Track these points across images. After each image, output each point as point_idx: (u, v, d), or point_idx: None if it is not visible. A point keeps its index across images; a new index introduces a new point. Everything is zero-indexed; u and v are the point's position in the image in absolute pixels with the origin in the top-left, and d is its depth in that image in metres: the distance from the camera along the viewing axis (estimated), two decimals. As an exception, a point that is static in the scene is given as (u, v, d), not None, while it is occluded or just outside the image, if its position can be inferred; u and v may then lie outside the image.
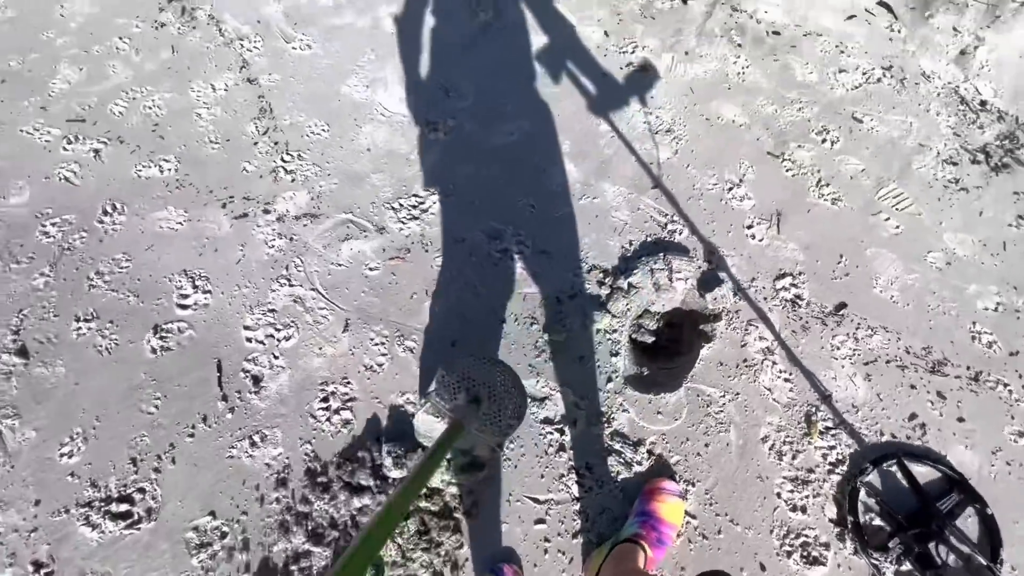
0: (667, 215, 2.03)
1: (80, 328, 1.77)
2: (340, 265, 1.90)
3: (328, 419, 1.63)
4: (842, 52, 2.52)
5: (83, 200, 2.03)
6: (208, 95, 2.32)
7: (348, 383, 1.69)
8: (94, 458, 1.58)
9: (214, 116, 2.26)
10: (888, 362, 1.75)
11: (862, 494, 1.52)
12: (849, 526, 1.47)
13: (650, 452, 1.59)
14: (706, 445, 1.61)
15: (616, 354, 1.75)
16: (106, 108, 2.27)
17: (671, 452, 1.60)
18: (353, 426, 1.63)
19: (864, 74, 2.45)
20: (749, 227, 2.01)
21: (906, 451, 1.58)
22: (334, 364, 1.72)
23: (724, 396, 1.68)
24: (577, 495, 1.53)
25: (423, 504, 1.49)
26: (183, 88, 2.33)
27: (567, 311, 1.82)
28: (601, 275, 1.89)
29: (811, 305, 1.85)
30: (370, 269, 1.89)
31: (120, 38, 2.50)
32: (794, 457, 1.59)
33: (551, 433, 1.61)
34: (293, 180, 2.08)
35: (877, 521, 1.49)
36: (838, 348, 1.77)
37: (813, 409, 1.67)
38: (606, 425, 1.63)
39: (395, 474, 1.51)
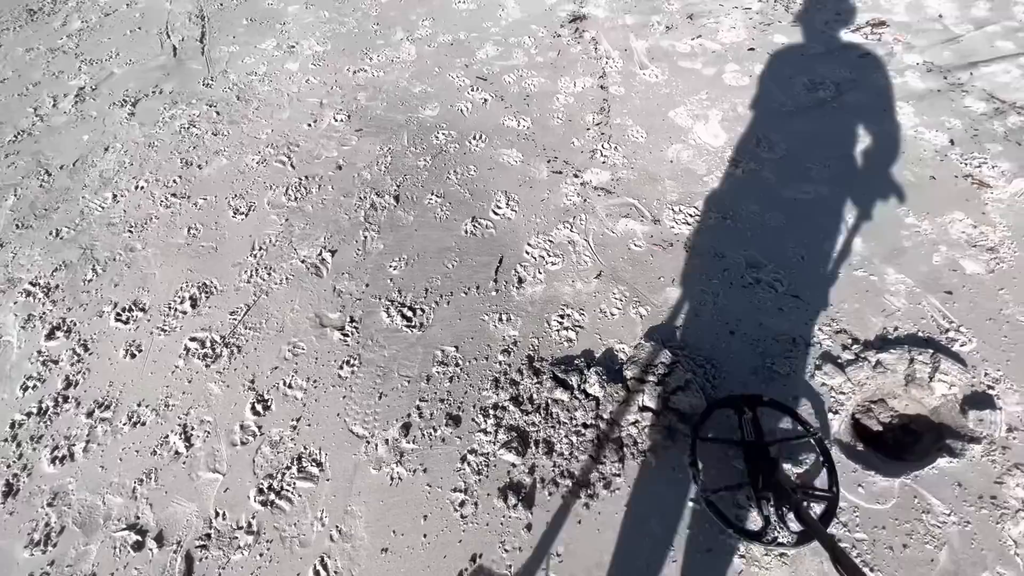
0: (953, 324, 1.87)
1: (431, 200, 2.52)
2: (613, 233, 2.28)
3: (557, 331, 2.00)
4: None
5: (465, 125, 2.87)
6: (569, 88, 3.01)
7: (583, 314, 2.03)
8: (406, 276, 2.24)
9: (567, 103, 2.93)
10: None
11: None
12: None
13: (828, 511, 1.52)
14: (904, 546, 1.46)
15: (835, 413, 1.71)
16: (501, 77, 3.15)
17: (858, 527, 1.50)
18: (574, 344, 1.96)
19: None
20: (1061, 377, 1.72)
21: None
22: (578, 297, 2.09)
23: (950, 516, 1.50)
24: (739, 503, 1.56)
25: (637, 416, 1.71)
26: (555, 79, 3.08)
27: (799, 354, 1.85)
28: (849, 340, 1.86)
29: (1120, 493, 1.50)
30: (635, 245, 2.23)
31: (528, 37, 3.43)
32: (1019, 624, 1.33)
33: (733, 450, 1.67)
34: (604, 162, 2.57)
35: None
36: None
37: (1072, 595, 1.36)
38: (795, 464, 1.61)
39: (594, 390, 1.77)
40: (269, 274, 2.32)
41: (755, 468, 1.52)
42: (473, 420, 1.81)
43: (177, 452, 1.84)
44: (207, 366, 2.05)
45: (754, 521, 1.52)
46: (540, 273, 2.18)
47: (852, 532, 1.50)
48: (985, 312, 1.90)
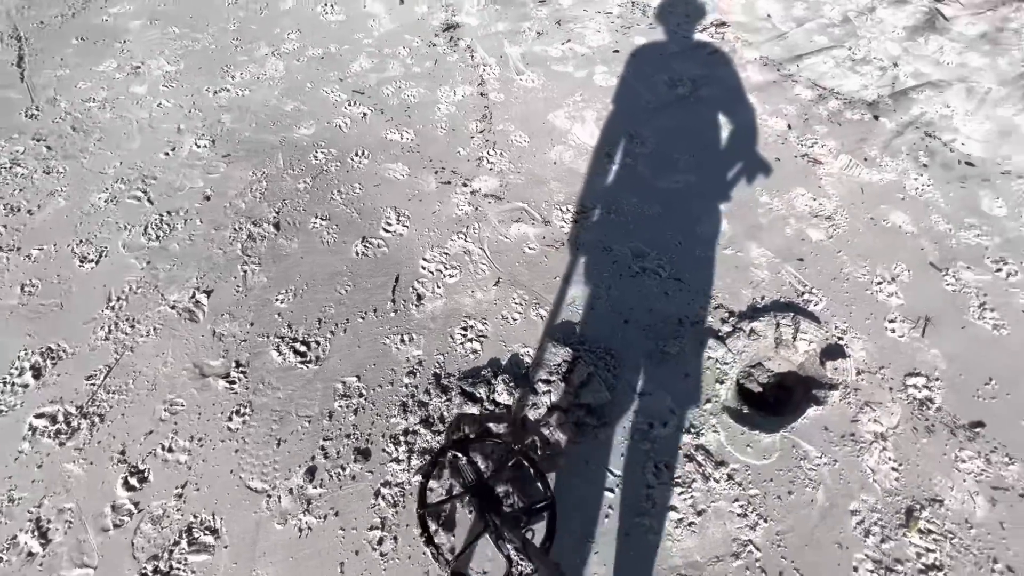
0: (806, 286, 2.13)
1: (316, 223, 2.38)
2: (507, 238, 2.31)
3: (462, 344, 1.97)
4: (1043, 198, 2.44)
5: (345, 143, 2.75)
6: (449, 97, 3.00)
7: (485, 323, 2.03)
8: (296, 309, 2.09)
9: (449, 112, 2.91)
10: (1023, 496, 1.62)
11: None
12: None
13: (730, 476, 1.66)
14: (789, 492, 1.63)
15: (721, 382, 1.86)
16: (380, 89, 3.06)
17: (751, 484, 1.64)
18: (479, 356, 1.95)
19: (1065, 224, 2.34)
20: (891, 321, 2.02)
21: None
22: (479, 306, 2.08)
23: (821, 457, 1.69)
24: (649, 483, 1.65)
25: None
26: (434, 88, 3.05)
27: (685, 333, 1.99)
28: (726, 314, 2.04)
29: (942, 411, 1.79)
30: (529, 248, 2.27)
31: (403, 47, 3.36)
32: (883, 541, 1.54)
33: (642, 424, 1.76)
34: (491, 169, 2.59)
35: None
36: (963, 461, 1.68)
37: (917, 506, 1.60)
38: (694, 437, 1.73)
39: (503, 399, 1.77)
40: (132, 327, 2.05)
41: (485, 511, 1.42)
42: (384, 450, 1.73)
43: (31, 553, 1.56)
44: (61, 444, 1.76)
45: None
46: (439, 287, 2.15)
47: (747, 489, 1.64)
48: (829, 273, 2.18)
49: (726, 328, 2.00)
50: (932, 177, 2.53)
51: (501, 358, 1.94)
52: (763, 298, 2.09)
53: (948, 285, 2.13)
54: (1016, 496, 1.62)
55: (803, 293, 2.11)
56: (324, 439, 1.76)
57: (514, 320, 2.04)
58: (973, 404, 1.81)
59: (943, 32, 3.39)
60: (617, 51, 3.29)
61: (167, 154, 2.71)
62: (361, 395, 1.86)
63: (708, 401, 1.81)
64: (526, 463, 1.59)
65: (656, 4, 3.65)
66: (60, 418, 1.81)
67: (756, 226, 2.34)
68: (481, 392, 1.79)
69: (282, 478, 1.68)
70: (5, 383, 1.90)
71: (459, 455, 1.59)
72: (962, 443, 1.72)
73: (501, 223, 2.37)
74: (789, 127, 2.79)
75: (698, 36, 3.38)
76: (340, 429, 1.78)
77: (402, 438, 1.74)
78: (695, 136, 2.74)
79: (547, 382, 1.79)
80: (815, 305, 2.07)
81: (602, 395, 1.77)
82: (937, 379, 1.87)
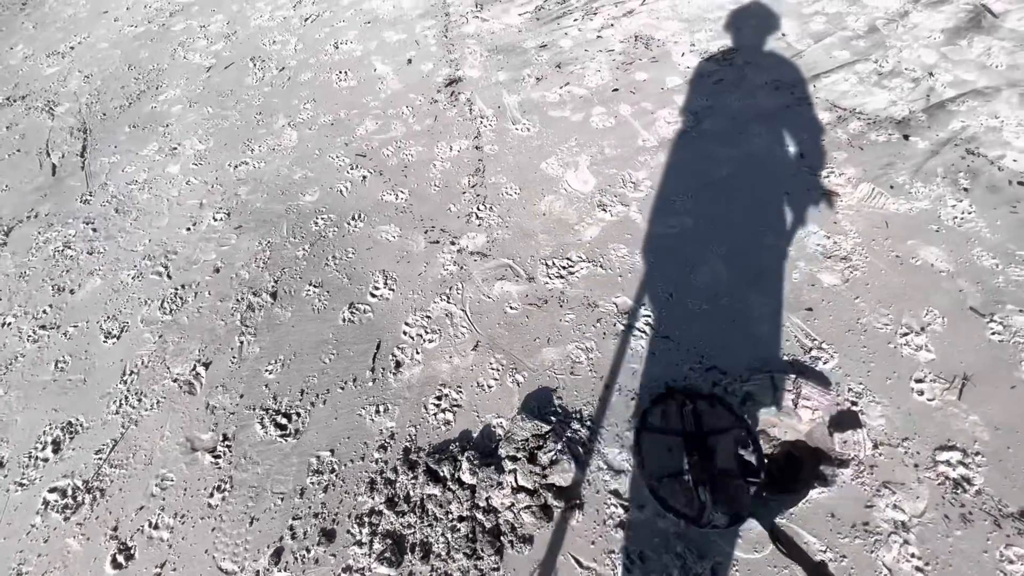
0: (815, 341, 1.89)
1: (310, 290, 2.47)
2: (489, 298, 2.26)
3: (435, 415, 1.93)
4: (1122, 219, 2.04)
5: (344, 207, 2.85)
6: (446, 153, 3.05)
7: (460, 392, 1.98)
8: (283, 379, 2.15)
9: (444, 168, 2.95)
10: (1093, 612, 1.30)
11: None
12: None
13: (714, 572, 1.47)
14: (784, 595, 1.41)
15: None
16: (380, 151, 3.17)
17: (738, 583, 1.45)
18: (452, 427, 1.89)
19: None
20: (919, 380, 1.74)
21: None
22: (456, 373, 2.04)
23: (826, 552, 1.46)
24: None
25: (480, 515, 1.63)
26: (432, 145, 3.12)
27: (672, 399, 1.82)
28: (720, 376, 1.85)
29: (983, 495, 1.50)
30: (511, 307, 2.21)
31: (407, 107, 3.48)
32: (901, 664, 1.28)
33: (615, 507, 1.62)
34: (480, 224, 2.58)
35: None
36: (1011, 562, 1.38)
37: (948, 620, 1.33)
38: (674, 523, 1.56)
39: (467, 478, 1.70)
40: (139, 400, 2.20)
41: (694, 457, 1.61)
42: (348, 532, 1.70)
43: (28, 629, 1.67)
44: (66, 519, 1.89)
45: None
46: (418, 353, 2.13)
47: (734, 589, 1.44)
48: (844, 324, 1.93)
49: (718, 391, 1.81)
50: (974, 203, 2.20)
51: (473, 430, 1.87)
52: (762, 356, 1.88)
53: (993, 334, 1.82)
54: (1084, 611, 1.30)
55: (811, 349, 1.88)
56: (294, 518, 1.77)
57: (489, 388, 1.97)
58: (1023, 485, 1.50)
59: (991, 31, 3.01)
60: (616, 90, 3.21)
61: (188, 229, 2.95)
62: (333, 471, 1.85)
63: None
64: (750, 439, 1.66)
65: (659, 36, 3.55)
66: (69, 492, 1.96)
67: (759, 272, 2.14)
68: (445, 470, 1.73)
69: (251, 559, 1.70)
70: (30, 457, 2.09)
71: (688, 401, 1.75)
72: (1010, 537, 1.42)
73: (485, 282, 2.33)
74: (802, 155, 2.56)
75: (704, 65, 3.23)
76: (309, 507, 1.78)
77: (367, 519, 1.71)
78: (694, 174, 2.58)
79: (513, 459, 1.70)
80: (824, 363, 1.83)
81: (569, 475, 1.64)
82: (977, 454, 1.57)
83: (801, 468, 1.75)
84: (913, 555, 1.43)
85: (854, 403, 1.72)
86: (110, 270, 2.82)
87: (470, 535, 1.60)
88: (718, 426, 1.69)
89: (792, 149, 2.59)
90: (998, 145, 2.40)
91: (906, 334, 1.86)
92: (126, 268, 2.80)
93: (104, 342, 2.46)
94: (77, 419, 2.18)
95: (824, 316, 1.96)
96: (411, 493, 1.74)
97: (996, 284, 1.94)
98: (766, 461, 1.78)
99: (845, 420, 1.69)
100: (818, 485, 1.58)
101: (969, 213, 2.17)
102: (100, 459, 2.03)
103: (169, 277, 2.70)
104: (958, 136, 2.49)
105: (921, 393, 1.71)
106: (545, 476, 1.65)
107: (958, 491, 1.51)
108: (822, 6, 3.41)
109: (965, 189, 2.26)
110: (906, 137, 2.55)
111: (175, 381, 2.23)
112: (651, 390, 1.85)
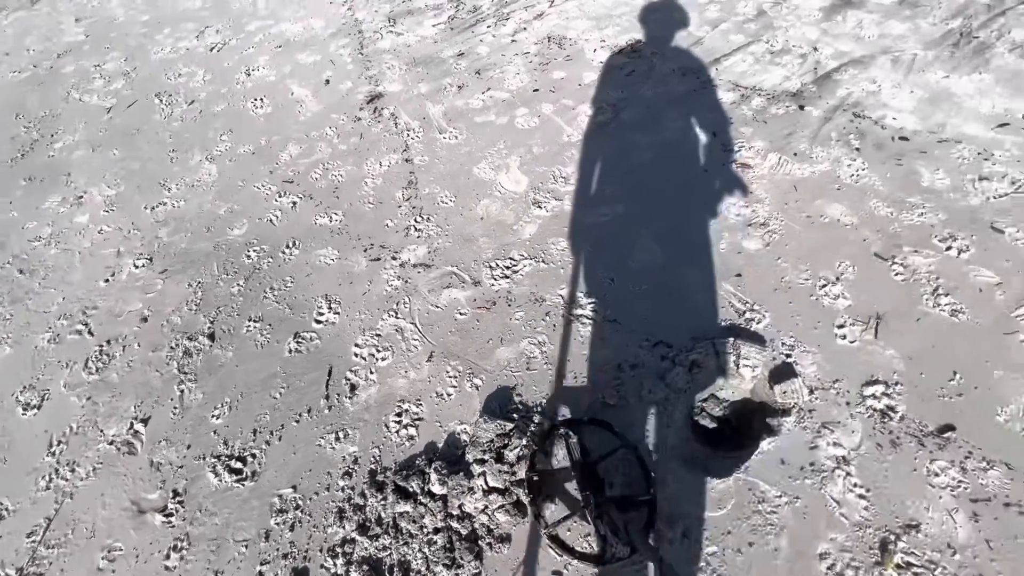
0: (747, 303, 2.02)
1: (250, 326, 2.36)
2: (437, 307, 2.26)
3: (397, 432, 1.90)
4: (986, 160, 2.32)
5: (276, 236, 2.76)
6: (376, 169, 3.01)
7: (420, 405, 1.96)
8: (232, 423, 2.05)
9: (376, 184, 2.92)
10: (1008, 506, 1.46)
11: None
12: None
13: (684, 535, 1.53)
14: (750, 544, 1.50)
15: (668, 427, 1.75)
16: (307, 175, 3.09)
17: (708, 541, 1.52)
18: (416, 441, 1.87)
19: (1014, 183, 2.21)
20: (840, 327, 1.90)
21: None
22: (413, 387, 2.02)
23: (781, 497, 1.56)
24: (601, 557, 1.53)
25: (455, 524, 1.62)
26: (360, 163, 3.08)
27: (625, 380, 1.89)
28: (667, 350, 1.94)
29: (906, 420, 1.65)
30: (460, 314, 2.21)
31: (330, 127, 3.42)
32: (858, 586, 1.39)
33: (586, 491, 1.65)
34: (419, 236, 2.57)
35: None
36: (937, 475, 1.54)
37: (892, 537, 1.45)
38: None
39: (437, 489, 1.68)
40: (72, 471, 2.02)
41: (587, 489, 1.56)
42: (322, 566, 1.65)
43: None
44: (1, 615, 1.71)
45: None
46: (372, 373, 2.09)
47: (705, 548, 1.51)
48: (770, 284, 2.07)
49: (666, 365, 1.89)
50: (866, 160, 2.43)
51: (438, 441, 1.86)
52: (704, 326, 1.99)
53: (897, 275, 2.01)
54: (1000, 505, 1.46)
55: (744, 311, 2.00)
56: (262, 563, 1.68)
57: (449, 396, 1.96)
58: (939, 405, 1.67)
59: (860, 6, 3.34)
60: (537, 90, 3.30)
61: (107, 280, 2.75)
62: (298, 507, 1.78)
63: (655, 452, 1.70)
64: (636, 461, 1.66)
65: (571, 35, 3.68)
66: (1, 585, 1.77)
67: (689, 247, 2.26)
68: (414, 485, 1.71)
69: (220, 616, 1.60)
70: (-51, 555, 1.87)
71: (571, 433, 1.69)
72: (932, 453, 1.58)
73: (431, 292, 2.32)
74: (714, 134, 2.73)
75: (615, 59, 3.37)
76: (277, 549, 1.70)
77: (339, 549, 1.66)
78: (619, 163, 2.69)
79: (481, 462, 1.70)
80: (758, 323, 1.96)
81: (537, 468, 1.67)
82: (897, 383, 1.73)
83: (752, 424, 1.86)
84: (856, 484, 1.55)
85: (788, 355, 1.85)
86: (21, 336, 2.58)
87: (447, 545, 1.59)
88: (604, 451, 1.68)
89: (704, 129, 2.76)
90: (879, 107, 2.66)
91: (824, 286, 2.02)
92: (40, 331, 2.57)
93: (23, 414, 2.24)
94: (1, 503, 1.98)
95: (752, 279, 2.10)
96: (382, 515, 1.70)
97: (893, 230, 2.15)
98: (720, 423, 1.88)
99: (782, 372, 1.81)
100: (767, 436, 1.69)
101: (863, 170, 2.40)
102: (34, 542, 1.85)
103: (91, 334, 2.50)
104: (845, 102, 2.74)
105: (844, 337, 1.87)
106: (514, 473, 1.67)
107: (885, 420, 1.66)
108: (714, -5, 3.65)
109: (857, 149, 2.49)
110: (801, 107, 2.78)
111: (111, 443, 2.07)
112: (601, 375, 1.91)
